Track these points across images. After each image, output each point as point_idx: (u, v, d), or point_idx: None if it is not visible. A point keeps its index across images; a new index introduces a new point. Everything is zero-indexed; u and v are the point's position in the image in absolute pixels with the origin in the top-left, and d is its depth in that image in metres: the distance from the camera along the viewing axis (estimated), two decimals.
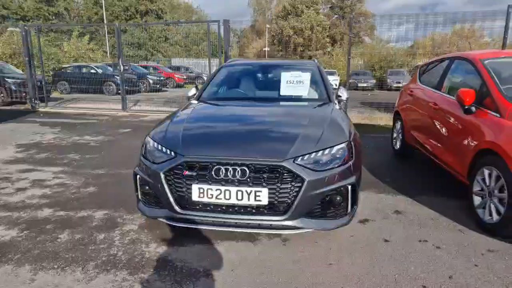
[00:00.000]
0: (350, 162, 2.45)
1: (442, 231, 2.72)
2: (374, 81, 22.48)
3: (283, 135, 2.53)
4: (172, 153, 2.35)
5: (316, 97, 3.62)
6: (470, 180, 2.94)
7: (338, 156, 2.41)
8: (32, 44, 10.36)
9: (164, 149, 2.41)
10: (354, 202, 2.49)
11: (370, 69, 26.02)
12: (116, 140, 6.12)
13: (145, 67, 19.88)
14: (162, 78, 17.45)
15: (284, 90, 3.68)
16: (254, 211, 2.24)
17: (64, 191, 3.52)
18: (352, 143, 2.56)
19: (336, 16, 38.63)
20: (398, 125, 5.04)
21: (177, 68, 22.71)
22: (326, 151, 2.37)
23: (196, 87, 3.92)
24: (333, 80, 22.85)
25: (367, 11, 38.02)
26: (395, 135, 5.20)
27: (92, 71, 14.62)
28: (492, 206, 2.63)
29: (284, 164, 2.21)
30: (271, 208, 2.23)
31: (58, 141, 5.99)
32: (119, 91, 10.09)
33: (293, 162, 2.24)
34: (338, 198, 2.37)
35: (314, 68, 3.95)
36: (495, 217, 2.58)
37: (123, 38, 27.72)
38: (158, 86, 16.52)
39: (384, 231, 2.71)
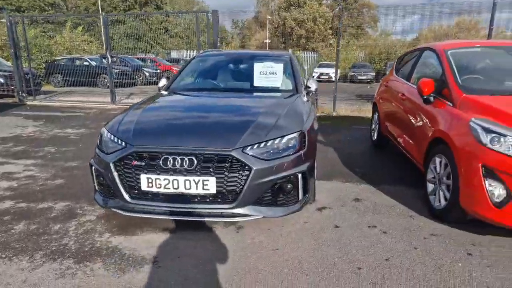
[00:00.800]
0: (302, 152, 2.54)
1: (393, 217, 2.81)
2: (374, 73, 22.30)
3: (235, 125, 2.62)
4: (123, 143, 2.45)
5: (284, 88, 3.69)
6: (425, 168, 3.02)
7: (289, 145, 2.50)
8: (23, 35, 10.34)
9: (116, 140, 2.51)
10: (306, 190, 2.59)
11: (371, 62, 25.82)
12: (97, 133, 6.18)
13: (142, 59, 19.91)
14: (158, 71, 17.51)
15: (257, 81, 3.76)
16: (203, 200, 2.35)
17: (31, 184, 3.56)
18: (306, 133, 2.65)
19: (339, 7, 38.21)
20: (376, 116, 5.10)
21: (177, 61, 22.74)
22: (277, 141, 2.46)
23: (168, 77, 4.02)
24: (333, 73, 22.79)
25: (370, 2, 37.53)
26: (373, 126, 5.27)
27: (86, 63, 14.65)
28: (441, 192, 2.72)
29: (232, 153, 2.31)
30: (220, 197, 2.34)
31: (38, 134, 6.03)
32: (115, 84, 10.18)
33: (242, 151, 2.34)
34: (288, 186, 2.47)
35: (286, 59, 4.02)
36: (443, 203, 2.67)
37: (122, 29, 27.71)
38: (154, 78, 16.59)
39: (338, 218, 2.81)
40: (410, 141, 3.52)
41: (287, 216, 2.62)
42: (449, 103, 2.88)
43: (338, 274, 2.06)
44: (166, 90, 3.77)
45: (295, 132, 2.57)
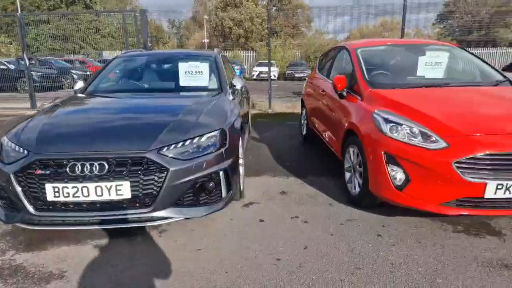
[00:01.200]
0: (223, 149, 2.54)
1: (315, 206, 2.96)
2: (310, 71, 23.29)
3: (152, 126, 2.54)
4: (25, 151, 2.25)
5: (209, 87, 3.68)
6: (343, 158, 3.23)
7: (210, 143, 2.49)
8: None
9: (17, 148, 2.30)
10: (229, 187, 2.61)
11: (307, 60, 26.96)
12: None
13: (70, 61, 18.45)
14: (88, 73, 16.37)
15: (183, 81, 3.70)
16: (118, 206, 2.24)
17: None
18: (227, 130, 2.66)
19: (275, 8, 39.21)
20: (304, 112, 5.33)
21: None
22: (195, 140, 2.44)
23: (86, 80, 3.78)
24: (272, 71, 23.35)
25: (303, 3, 39.10)
26: (302, 121, 5.50)
27: (2, 67, 13.20)
28: (355, 180, 2.92)
29: (147, 155, 2.23)
30: (136, 201, 2.24)
31: None
32: (37, 88, 9.29)
33: (158, 152, 2.27)
34: (210, 185, 2.46)
35: (212, 59, 4.01)
36: (357, 189, 2.88)
37: (46, 29, 25.27)
38: None
39: (264, 212, 2.87)
40: (330, 134, 3.74)
41: (213, 214, 2.62)
42: (358, 97, 3.10)
43: (257, 267, 2.11)
44: (82, 93, 3.53)
45: (216, 130, 2.57)
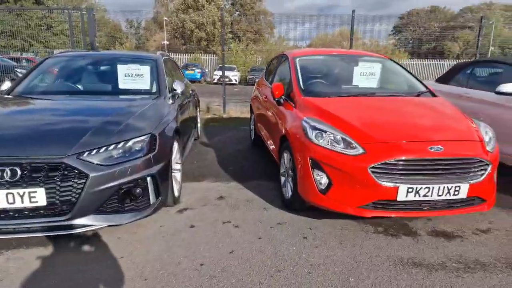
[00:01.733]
0: (151, 154, 2.50)
1: (250, 211, 3.00)
2: None
3: (74, 130, 2.43)
4: None
5: (148, 90, 3.60)
6: (279, 163, 3.32)
7: (137, 148, 2.44)
8: None
9: None
10: (158, 193, 2.57)
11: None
12: None
13: (17, 59, 17.24)
14: None
15: (122, 84, 3.59)
16: (33, 213, 2.12)
17: None
18: (157, 135, 2.63)
19: (237, 13, 39.51)
20: (252, 117, 5.40)
21: None
22: (121, 144, 2.38)
23: (13, 79, 3.55)
24: (233, 76, 23.43)
25: (266, 9, 39.76)
26: (251, 126, 5.56)
27: None
28: (288, 184, 3.01)
29: (65, 160, 2.14)
30: (53, 209, 2.14)
31: None
32: None
33: (77, 158, 2.19)
34: (137, 191, 2.41)
35: (153, 62, 3.93)
36: (290, 193, 2.96)
37: None
38: None
39: (197, 218, 2.86)
40: (271, 139, 3.83)
41: (143, 221, 2.57)
42: (293, 105, 3.21)
43: (178, 273, 2.09)
44: (8, 94, 3.31)
45: (144, 135, 2.52)
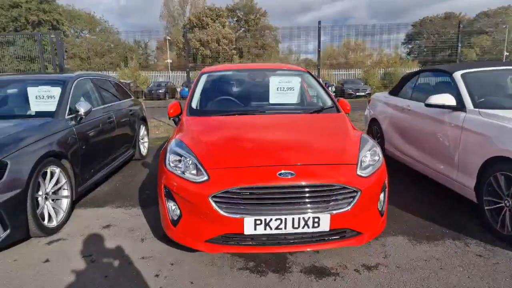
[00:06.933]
0: None
1: (123, 241, 2.74)
2: None
3: None
4: None
5: (43, 111, 3.48)
6: None
7: None
8: None
9: None
10: (5, 225, 2.39)
11: None
12: None
13: None
14: None
15: (35, 106, 3.54)
16: None
17: None
18: (8, 162, 2.47)
19: (242, 29, 40.05)
20: None
21: None
22: None
23: None
24: None
25: (270, 24, 40.09)
26: None
27: None
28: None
29: None
30: None
31: None
32: None
33: None
34: None
35: (63, 83, 3.81)
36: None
37: None
38: None
39: (60, 250, 2.64)
40: None
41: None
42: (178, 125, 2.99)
43: None
44: None
45: None
